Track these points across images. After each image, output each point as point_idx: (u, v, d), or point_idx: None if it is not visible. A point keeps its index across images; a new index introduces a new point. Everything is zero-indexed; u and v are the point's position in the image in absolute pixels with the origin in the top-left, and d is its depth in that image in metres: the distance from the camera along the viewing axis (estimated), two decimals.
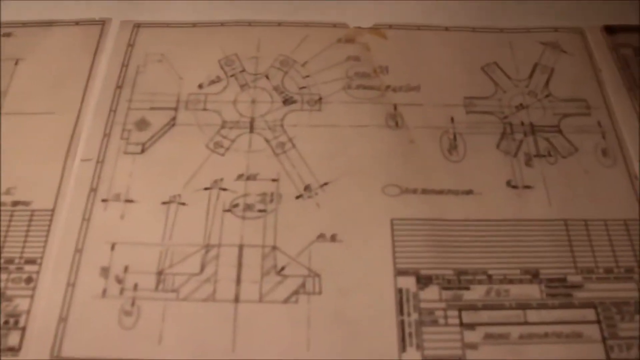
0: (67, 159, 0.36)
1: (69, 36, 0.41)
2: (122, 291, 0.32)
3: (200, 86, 0.39)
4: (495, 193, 0.35)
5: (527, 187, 0.36)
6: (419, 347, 0.30)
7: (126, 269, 0.32)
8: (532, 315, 0.32)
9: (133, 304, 0.31)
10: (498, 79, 0.40)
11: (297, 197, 0.35)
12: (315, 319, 0.31)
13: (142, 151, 0.36)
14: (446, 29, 0.43)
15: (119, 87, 0.39)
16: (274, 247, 0.33)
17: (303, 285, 0.32)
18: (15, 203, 0.34)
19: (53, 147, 0.36)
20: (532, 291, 0.32)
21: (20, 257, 0.32)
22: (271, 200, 0.35)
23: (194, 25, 0.42)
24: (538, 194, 0.35)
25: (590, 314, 0.32)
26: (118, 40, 0.41)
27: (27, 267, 0.32)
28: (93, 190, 0.35)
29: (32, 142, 0.36)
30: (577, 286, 0.32)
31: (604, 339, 0.31)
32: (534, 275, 0.33)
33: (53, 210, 0.34)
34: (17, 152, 0.36)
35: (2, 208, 0.34)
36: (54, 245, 0.33)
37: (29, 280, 0.32)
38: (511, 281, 0.32)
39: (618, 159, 0.37)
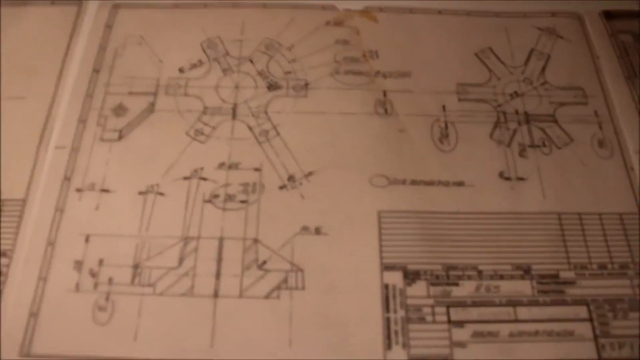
0: (40, 147, 0.34)
1: (44, 16, 0.39)
2: (96, 285, 0.30)
3: (181, 70, 0.37)
4: (487, 185, 0.34)
5: (521, 178, 0.34)
6: (405, 345, 0.29)
7: (101, 262, 0.31)
8: (523, 312, 0.31)
9: (107, 298, 0.30)
10: (492, 66, 0.39)
11: (281, 188, 0.33)
12: (298, 315, 0.30)
13: (119, 138, 0.35)
14: (439, 12, 0.41)
15: (96, 70, 0.37)
16: (256, 240, 0.32)
17: (285, 280, 0.31)
18: None
19: (25, 133, 0.35)
20: (524, 287, 0.31)
21: None
22: (253, 191, 0.33)
23: (176, 6, 0.40)
24: (532, 186, 0.34)
25: (582, 311, 0.31)
26: (96, 21, 0.39)
27: None
28: (67, 179, 0.33)
29: (3, 129, 0.35)
30: (570, 282, 0.32)
31: (595, 337, 0.30)
32: (525, 271, 0.32)
33: (25, 200, 0.33)
34: None
35: None
36: (25, 238, 0.32)
37: None
38: (502, 277, 0.31)
39: (615, 150, 0.36)
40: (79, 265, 0.31)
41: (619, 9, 0.42)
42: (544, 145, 0.36)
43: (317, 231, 0.32)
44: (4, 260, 0.31)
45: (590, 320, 0.30)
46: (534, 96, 0.38)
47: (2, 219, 0.32)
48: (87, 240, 0.31)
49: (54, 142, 0.34)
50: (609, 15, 0.41)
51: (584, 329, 0.30)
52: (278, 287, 0.30)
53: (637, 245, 0.33)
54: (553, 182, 0.34)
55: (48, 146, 0.34)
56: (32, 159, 0.34)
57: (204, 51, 0.38)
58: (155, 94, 0.36)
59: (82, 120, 0.35)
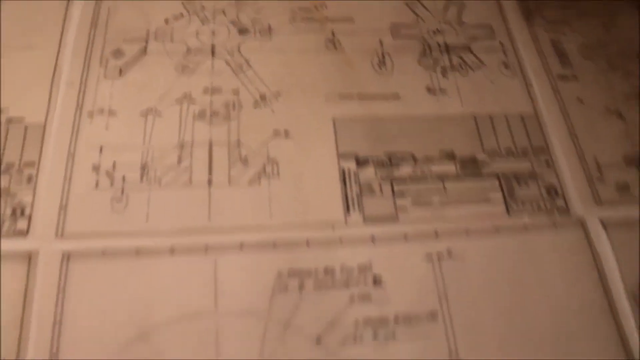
0: (53, 84, 0.40)
1: None
2: (112, 183, 0.37)
3: (166, 21, 0.45)
4: (417, 97, 0.42)
5: (443, 92, 0.43)
6: (361, 210, 0.37)
7: (114, 165, 0.38)
8: (450, 185, 0.39)
9: (122, 192, 0.37)
10: (419, 12, 0.48)
11: (255, 106, 0.41)
12: (275, 195, 0.37)
13: (120, 74, 0.42)
14: None
15: (94, 25, 0.44)
16: (239, 142, 0.39)
17: (264, 170, 0.38)
18: (9, 120, 0.38)
19: (39, 75, 0.40)
20: (449, 168, 0.40)
21: (20, 161, 0.37)
22: (233, 108, 0.41)
23: None
24: (452, 98, 0.42)
25: (494, 183, 0.39)
26: None
27: (27, 170, 0.37)
28: (79, 106, 0.40)
29: (20, 72, 0.41)
30: (485, 163, 0.40)
31: (505, 201, 0.39)
32: (450, 156, 0.40)
33: (45, 124, 0.38)
34: (6, 80, 0.40)
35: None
36: (48, 151, 0.37)
37: (29, 179, 0.36)
38: (432, 161, 0.40)
39: (516, 71, 0.45)
40: (96, 168, 0.37)
41: None
42: (462, 69, 0.45)
43: (286, 134, 0.40)
44: (33, 170, 0.36)
45: (501, 189, 0.39)
46: (453, 32, 0.47)
47: (27, 137, 0.38)
48: (101, 150, 0.38)
49: (65, 79, 0.41)
50: None
51: (496, 195, 0.39)
52: (259, 176, 0.38)
53: (534, 134, 0.42)
54: (469, 96, 0.43)
55: (60, 83, 0.40)
56: (48, 92, 0.40)
57: (185, 7, 0.46)
58: (146, 40, 0.44)
59: (87, 65, 0.42)
